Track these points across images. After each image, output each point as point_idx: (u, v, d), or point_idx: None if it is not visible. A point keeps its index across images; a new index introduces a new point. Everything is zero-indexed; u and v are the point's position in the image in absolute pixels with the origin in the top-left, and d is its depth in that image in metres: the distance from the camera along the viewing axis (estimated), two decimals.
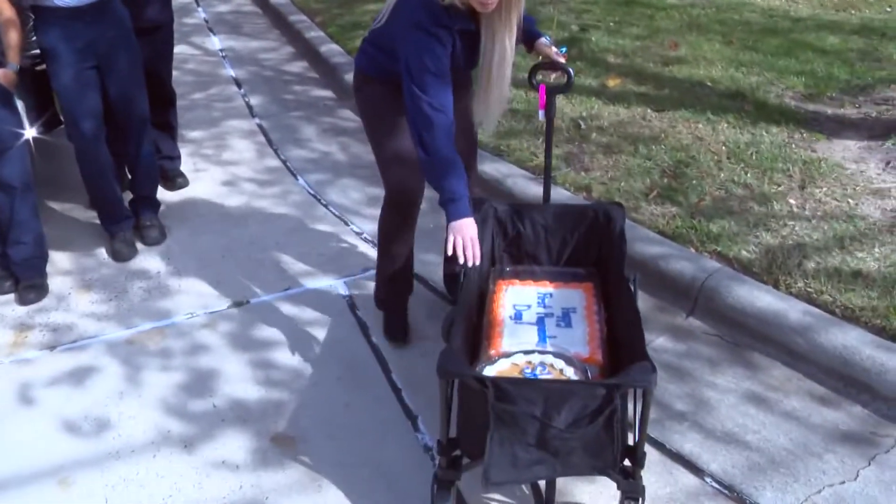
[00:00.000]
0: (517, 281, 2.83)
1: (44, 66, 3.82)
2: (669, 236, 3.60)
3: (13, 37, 3.49)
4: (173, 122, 4.63)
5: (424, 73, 2.51)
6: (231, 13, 8.61)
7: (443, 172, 2.50)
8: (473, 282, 2.60)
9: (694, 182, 4.00)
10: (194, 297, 3.63)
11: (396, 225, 3.09)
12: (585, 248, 2.86)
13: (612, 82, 5.33)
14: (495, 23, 2.55)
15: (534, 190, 3.97)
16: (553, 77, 3.02)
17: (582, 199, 3.92)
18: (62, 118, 3.98)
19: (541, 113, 2.85)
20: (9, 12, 3.46)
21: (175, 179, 4.62)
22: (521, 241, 2.87)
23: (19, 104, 3.71)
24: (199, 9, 8.65)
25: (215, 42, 7.46)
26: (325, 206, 4.28)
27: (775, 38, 6.05)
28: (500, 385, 2.03)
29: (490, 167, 4.24)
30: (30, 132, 3.77)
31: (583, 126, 4.65)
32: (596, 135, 4.55)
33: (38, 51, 3.77)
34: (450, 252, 2.49)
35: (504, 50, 2.59)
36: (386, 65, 2.76)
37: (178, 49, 5.27)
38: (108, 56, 3.74)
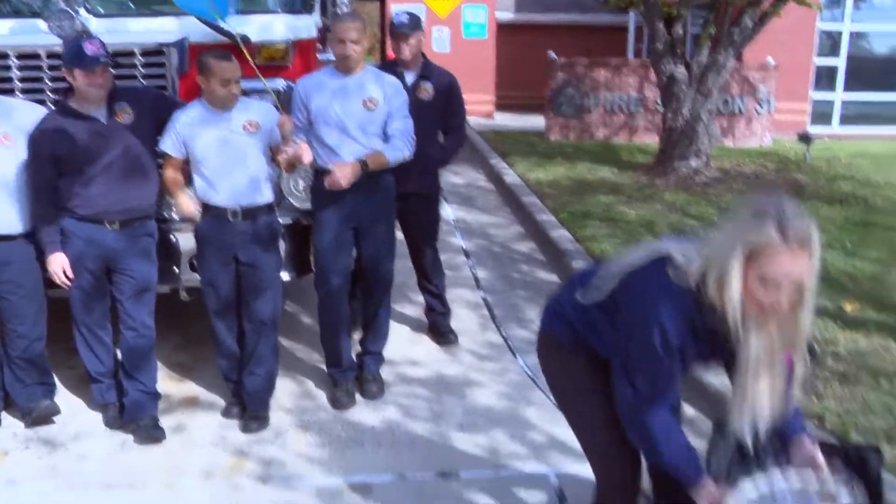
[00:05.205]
0: None
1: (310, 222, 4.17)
2: None
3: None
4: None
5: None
6: (466, 186, 9.14)
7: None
8: None
9: None
10: (404, 458, 3.67)
11: None
12: None
13: (850, 306, 5.09)
14: None
15: None
16: None
17: (814, 426, 3.67)
18: (313, 268, 4.28)
19: None
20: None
21: None
22: None
23: (282, 250, 4.05)
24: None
25: (449, 212, 7.88)
26: (543, 391, 4.26)
27: None
28: None
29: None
30: (285, 275, 4.10)
31: (817, 349, 4.42)
32: (831, 361, 4.31)
33: (309, 207, 4.12)
34: None
35: None
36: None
37: None
38: (367, 222, 4.03)
